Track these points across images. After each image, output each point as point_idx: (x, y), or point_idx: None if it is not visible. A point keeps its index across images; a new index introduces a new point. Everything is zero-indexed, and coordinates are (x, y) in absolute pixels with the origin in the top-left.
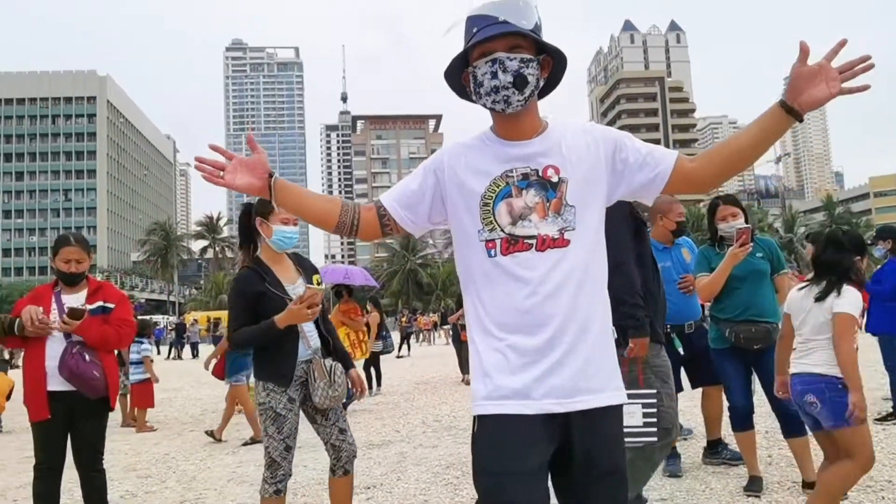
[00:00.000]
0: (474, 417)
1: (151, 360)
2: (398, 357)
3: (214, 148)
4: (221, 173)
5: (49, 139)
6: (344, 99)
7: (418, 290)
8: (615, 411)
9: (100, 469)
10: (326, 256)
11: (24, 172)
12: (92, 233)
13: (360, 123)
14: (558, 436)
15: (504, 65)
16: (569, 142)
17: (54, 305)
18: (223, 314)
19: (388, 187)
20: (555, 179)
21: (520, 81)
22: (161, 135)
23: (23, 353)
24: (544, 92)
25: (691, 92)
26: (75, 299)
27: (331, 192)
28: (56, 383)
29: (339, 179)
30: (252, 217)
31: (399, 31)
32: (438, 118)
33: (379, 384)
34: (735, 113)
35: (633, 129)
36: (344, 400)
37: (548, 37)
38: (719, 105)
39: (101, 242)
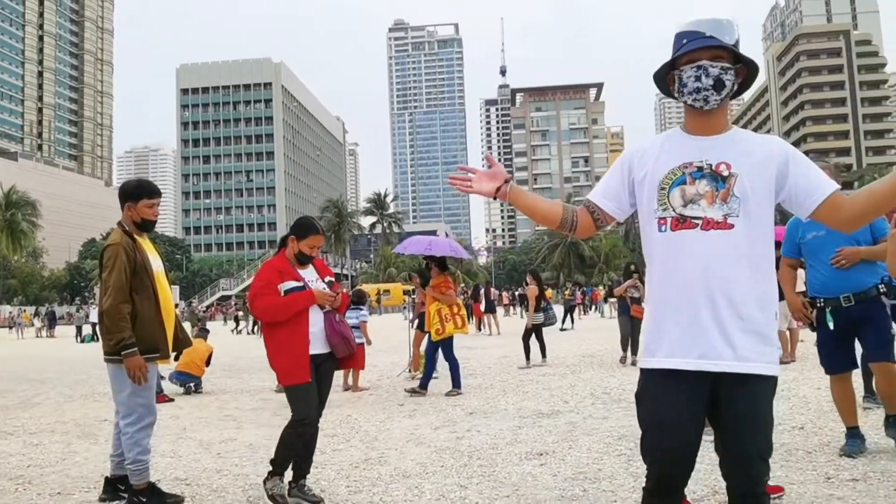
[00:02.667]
0: None
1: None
2: (562, 330)
3: (463, 168)
4: (469, 183)
5: (231, 124)
6: (503, 72)
7: (580, 264)
8: (750, 379)
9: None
10: (487, 230)
11: (210, 156)
12: (272, 211)
13: (518, 96)
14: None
15: (707, 71)
16: (747, 147)
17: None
18: (392, 286)
19: (548, 160)
20: (725, 173)
21: (719, 85)
22: (331, 116)
23: (257, 325)
24: (738, 94)
25: (881, 45)
26: (310, 273)
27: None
28: (317, 347)
29: (499, 153)
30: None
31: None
32: (600, 87)
33: (544, 355)
34: None
35: (815, 87)
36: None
37: None
38: None
39: (279, 220)
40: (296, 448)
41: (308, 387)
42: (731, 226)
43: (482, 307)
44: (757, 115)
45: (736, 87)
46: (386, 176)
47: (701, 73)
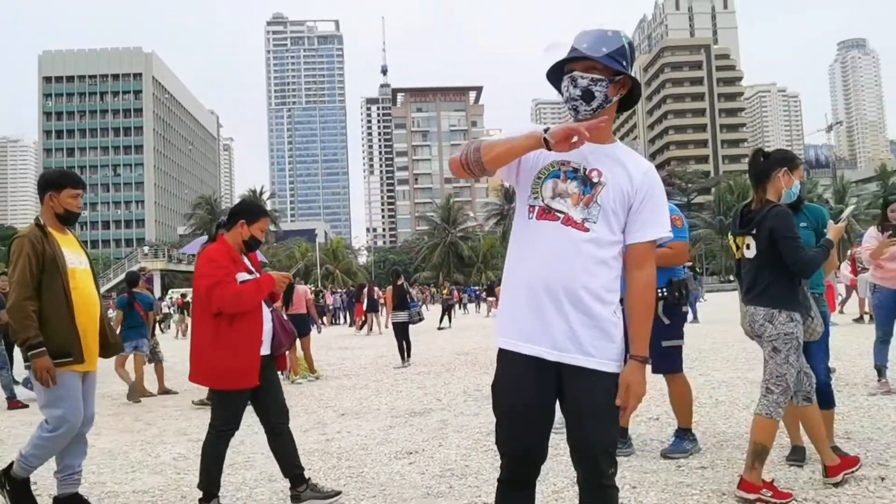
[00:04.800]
0: None
1: None
2: (439, 329)
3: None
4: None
5: (98, 116)
6: (384, 72)
7: (459, 263)
8: (590, 373)
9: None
10: (368, 229)
11: (75, 149)
12: (140, 207)
13: (400, 96)
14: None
15: (576, 82)
16: (623, 164)
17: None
18: None
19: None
20: (595, 180)
21: (587, 96)
22: (205, 110)
23: (185, 324)
24: (626, 106)
25: (739, 59)
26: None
27: (372, 167)
28: (266, 347)
29: (380, 152)
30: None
31: (441, 1)
32: (479, 90)
33: (408, 355)
34: (784, 80)
35: (677, 98)
36: None
37: (587, 6)
38: (768, 72)
39: (148, 217)
40: (219, 459)
41: (248, 393)
42: (588, 230)
43: (364, 306)
44: (625, 123)
45: (615, 99)
46: (263, 173)
47: (571, 83)
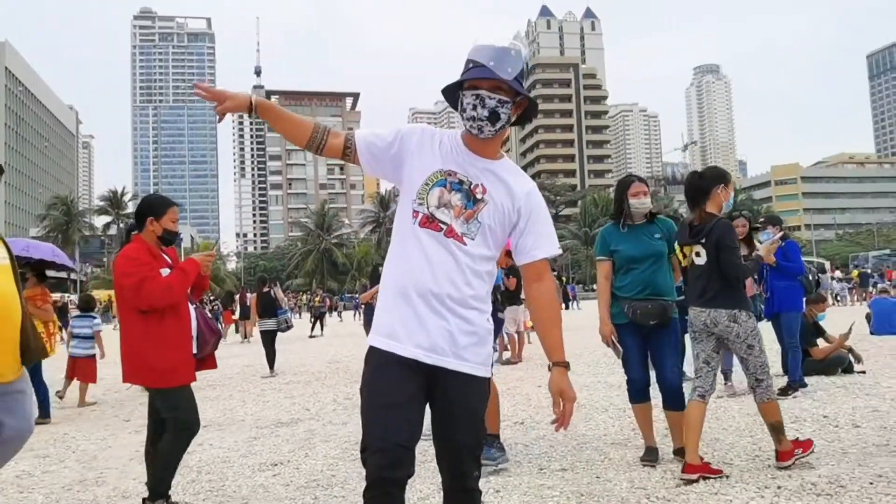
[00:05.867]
0: None
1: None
2: (311, 337)
3: (198, 85)
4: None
5: None
6: (258, 73)
7: (333, 270)
8: (464, 377)
9: None
10: (238, 234)
11: None
12: None
13: (274, 99)
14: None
15: (484, 102)
16: (507, 181)
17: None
18: None
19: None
20: (479, 196)
21: (494, 117)
22: (63, 105)
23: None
24: (517, 124)
25: (604, 79)
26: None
27: (243, 170)
28: (192, 346)
29: (253, 155)
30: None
31: (318, 3)
32: (356, 96)
33: (271, 367)
34: (645, 101)
35: (547, 114)
36: None
37: (464, 21)
38: (631, 93)
39: None
40: (179, 460)
41: (191, 389)
42: (466, 244)
43: (236, 314)
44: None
45: (513, 119)
46: (126, 173)
47: (478, 102)
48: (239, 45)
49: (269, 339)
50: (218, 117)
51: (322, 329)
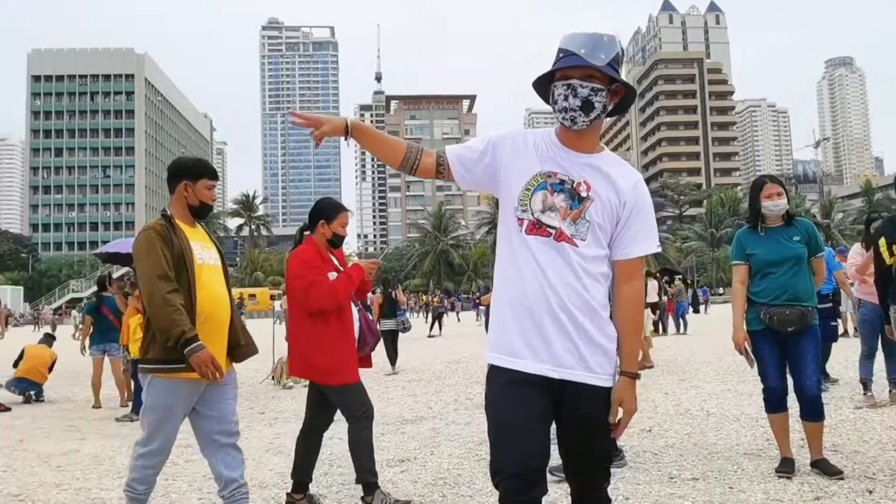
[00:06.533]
0: None
1: None
2: (430, 337)
3: (295, 113)
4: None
5: (88, 116)
6: (378, 79)
7: (450, 271)
8: (591, 389)
9: None
10: (359, 235)
11: (64, 149)
12: (130, 209)
13: (393, 103)
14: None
15: (576, 91)
16: (611, 175)
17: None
18: (258, 290)
19: None
20: (584, 195)
21: (587, 106)
22: (198, 113)
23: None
24: (615, 113)
25: (730, 74)
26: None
27: (364, 173)
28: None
29: (373, 159)
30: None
31: (435, 9)
32: (472, 98)
33: (393, 364)
34: (774, 96)
35: (670, 111)
36: None
37: (584, 16)
38: (759, 88)
39: (138, 219)
40: (371, 443)
41: (360, 382)
42: (578, 245)
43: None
44: (618, 134)
45: (610, 108)
46: (256, 177)
47: (569, 92)
48: (360, 52)
49: (390, 338)
50: (315, 142)
51: (440, 329)
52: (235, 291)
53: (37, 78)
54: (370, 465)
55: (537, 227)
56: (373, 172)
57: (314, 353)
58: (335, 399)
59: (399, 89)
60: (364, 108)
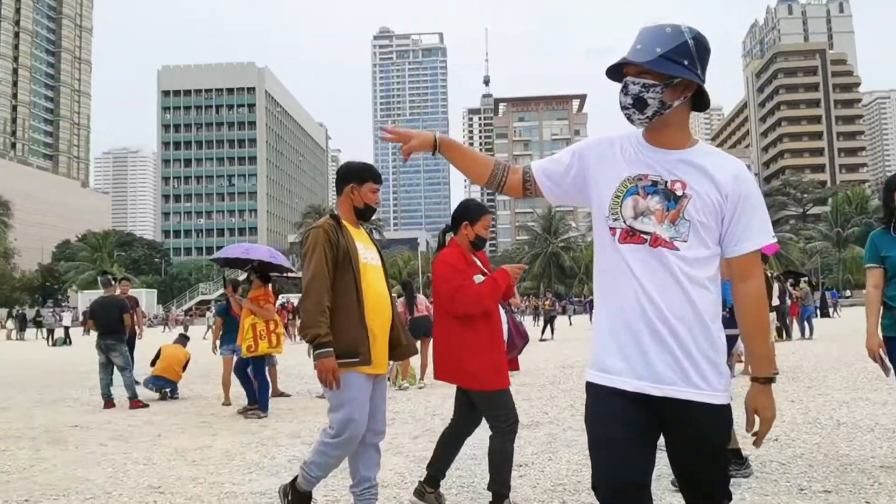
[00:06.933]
0: None
1: None
2: (541, 340)
3: (385, 128)
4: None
5: (213, 128)
6: (486, 82)
7: (560, 274)
8: (699, 407)
9: None
10: None
11: (192, 159)
12: (253, 216)
13: (502, 106)
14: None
15: (627, 88)
16: (707, 168)
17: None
18: None
19: None
20: (679, 193)
21: (639, 103)
22: (314, 122)
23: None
24: (698, 109)
25: (856, 65)
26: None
27: None
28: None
29: None
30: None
31: (542, 10)
32: (582, 98)
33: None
34: None
35: (792, 104)
36: None
37: (697, 11)
38: (889, 79)
39: (261, 225)
40: (511, 455)
41: (508, 391)
42: (678, 248)
43: None
44: (737, 130)
45: (677, 104)
46: None
47: (622, 90)
48: (468, 57)
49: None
50: (404, 157)
51: (552, 333)
52: None
53: (166, 93)
54: (506, 476)
55: (631, 235)
56: None
57: (461, 358)
58: (481, 405)
59: (507, 92)
60: (472, 111)
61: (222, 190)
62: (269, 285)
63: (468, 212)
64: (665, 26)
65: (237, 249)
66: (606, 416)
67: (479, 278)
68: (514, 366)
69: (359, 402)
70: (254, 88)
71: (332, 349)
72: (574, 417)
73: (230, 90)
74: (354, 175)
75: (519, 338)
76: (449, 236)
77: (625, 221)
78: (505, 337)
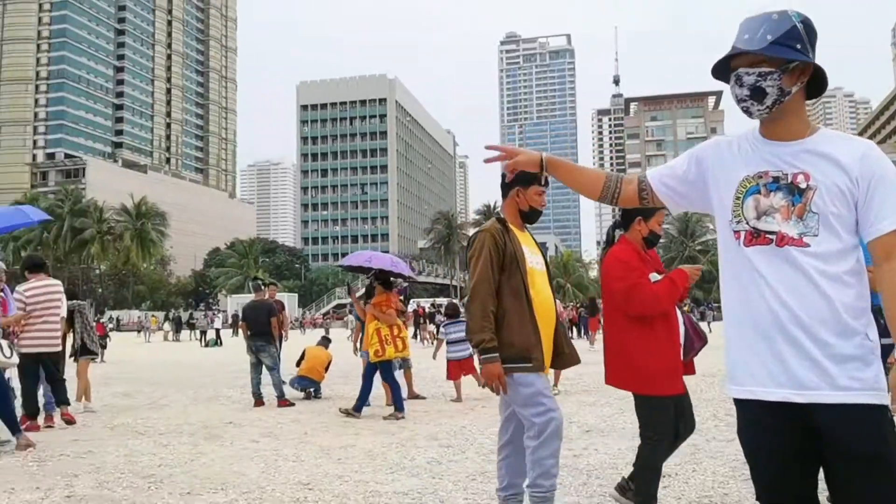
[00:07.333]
0: None
1: None
2: None
3: (491, 147)
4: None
5: (348, 139)
6: (616, 82)
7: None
8: (849, 410)
9: None
10: (598, 242)
11: (328, 170)
12: (385, 223)
13: (633, 105)
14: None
15: (741, 80)
16: (830, 154)
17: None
18: None
19: None
20: (803, 186)
21: (757, 93)
22: (442, 129)
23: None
24: (813, 95)
25: None
26: None
27: None
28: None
29: (612, 164)
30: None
31: (673, 4)
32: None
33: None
34: None
35: None
36: None
37: (826, 10)
38: None
39: (392, 231)
40: (660, 470)
41: (674, 399)
42: (808, 245)
43: (600, 320)
44: (886, 125)
45: (795, 89)
46: (495, 188)
47: (736, 83)
48: (597, 57)
49: None
50: (508, 174)
51: None
52: None
53: (304, 107)
54: (653, 491)
55: (755, 237)
56: None
57: (636, 359)
58: (640, 409)
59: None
60: (602, 112)
61: (356, 198)
62: (392, 291)
63: (644, 207)
64: (771, 13)
65: (360, 257)
66: (754, 429)
67: (654, 276)
68: (691, 370)
69: (546, 393)
70: (385, 99)
71: (497, 355)
72: (717, 428)
73: (363, 102)
74: (520, 177)
75: (697, 339)
76: (618, 233)
77: (748, 223)
78: (681, 339)
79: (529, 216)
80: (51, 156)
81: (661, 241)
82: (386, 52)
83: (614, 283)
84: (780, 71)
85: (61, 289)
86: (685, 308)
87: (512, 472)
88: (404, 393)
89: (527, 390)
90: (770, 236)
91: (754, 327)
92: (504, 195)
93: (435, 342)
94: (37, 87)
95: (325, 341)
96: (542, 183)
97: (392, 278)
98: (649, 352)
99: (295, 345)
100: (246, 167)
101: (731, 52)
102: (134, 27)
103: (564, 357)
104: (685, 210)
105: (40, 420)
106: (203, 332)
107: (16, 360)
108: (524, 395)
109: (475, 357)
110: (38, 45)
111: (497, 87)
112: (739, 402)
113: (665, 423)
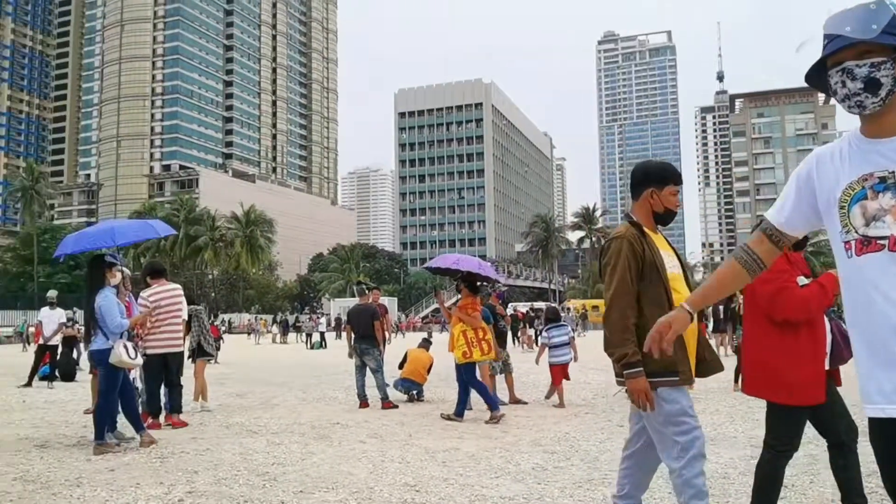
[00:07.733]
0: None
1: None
2: None
3: (651, 345)
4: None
5: (444, 144)
6: (720, 78)
7: None
8: None
9: None
10: (704, 244)
11: (425, 175)
12: (481, 227)
13: (738, 102)
14: None
15: (853, 73)
16: None
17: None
18: (600, 302)
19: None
20: None
21: (872, 85)
22: (539, 132)
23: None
24: None
25: None
26: None
27: (707, 178)
28: (826, 360)
29: (717, 163)
30: None
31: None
32: None
33: (736, 380)
34: None
35: None
36: None
37: None
38: None
39: (489, 235)
40: (780, 480)
41: (809, 410)
42: None
43: (710, 326)
44: None
45: None
46: (594, 190)
47: (845, 77)
48: (699, 53)
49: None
50: (666, 352)
51: None
52: (578, 303)
53: (402, 114)
54: (773, 500)
55: (866, 245)
56: (717, 177)
57: (779, 366)
58: (769, 416)
59: (743, 87)
60: (705, 110)
61: (453, 203)
62: (478, 295)
63: (652, 175)
64: (867, 4)
65: (447, 260)
66: (888, 450)
67: (803, 280)
68: (837, 379)
69: (690, 412)
70: (481, 104)
71: (641, 369)
72: None
73: (459, 107)
74: (654, 177)
75: (847, 348)
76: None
77: (856, 231)
78: (828, 347)
79: (664, 218)
80: (166, 167)
81: None
82: (482, 57)
83: (760, 286)
84: (891, 60)
85: (182, 293)
86: (833, 314)
87: (633, 484)
88: (505, 397)
89: (671, 407)
90: (882, 242)
91: (877, 341)
92: (635, 196)
93: (537, 347)
94: (152, 102)
95: (426, 343)
96: (678, 182)
97: (481, 283)
98: (790, 359)
99: (397, 347)
100: (346, 175)
101: (842, 43)
102: (241, 43)
103: (706, 364)
104: (818, 229)
105: (161, 419)
106: (308, 335)
107: (140, 360)
108: (667, 411)
109: (613, 370)
110: (154, 63)
111: (595, 88)
112: (875, 422)
113: (791, 435)
